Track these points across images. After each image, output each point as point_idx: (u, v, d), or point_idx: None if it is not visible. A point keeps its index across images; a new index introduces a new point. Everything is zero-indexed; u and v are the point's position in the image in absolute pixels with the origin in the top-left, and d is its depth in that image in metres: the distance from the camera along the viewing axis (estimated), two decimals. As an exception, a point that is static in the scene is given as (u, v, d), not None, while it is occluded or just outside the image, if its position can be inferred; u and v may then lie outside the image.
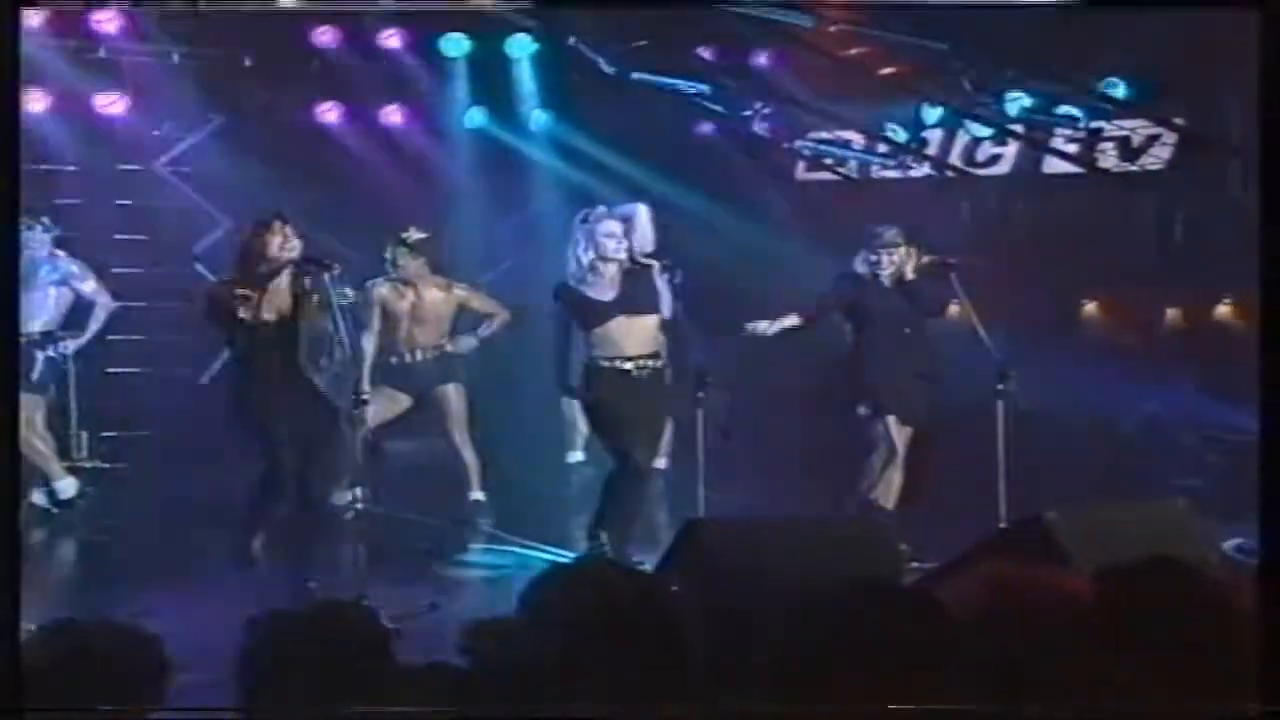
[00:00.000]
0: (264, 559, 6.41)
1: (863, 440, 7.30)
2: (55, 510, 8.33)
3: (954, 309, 7.35)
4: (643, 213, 6.78)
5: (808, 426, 7.56)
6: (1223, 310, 9.51)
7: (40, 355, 8.32)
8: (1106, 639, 2.89)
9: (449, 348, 8.06)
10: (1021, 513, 6.08)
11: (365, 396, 6.24)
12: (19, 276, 2.26)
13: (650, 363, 6.62)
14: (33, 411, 8.34)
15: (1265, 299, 2.67)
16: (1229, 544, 6.07)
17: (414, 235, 7.91)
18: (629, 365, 6.56)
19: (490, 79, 10.09)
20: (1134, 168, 9.51)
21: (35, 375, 8.29)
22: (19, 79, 2.17)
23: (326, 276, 6.10)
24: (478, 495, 8.14)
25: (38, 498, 8.34)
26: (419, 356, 7.97)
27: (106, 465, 9.34)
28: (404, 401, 8.04)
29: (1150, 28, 8.60)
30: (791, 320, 7.29)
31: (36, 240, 8.25)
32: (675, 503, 7.17)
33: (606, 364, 6.56)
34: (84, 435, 9.49)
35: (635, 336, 6.59)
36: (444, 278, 8.12)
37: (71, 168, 9.51)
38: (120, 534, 7.90)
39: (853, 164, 10.31)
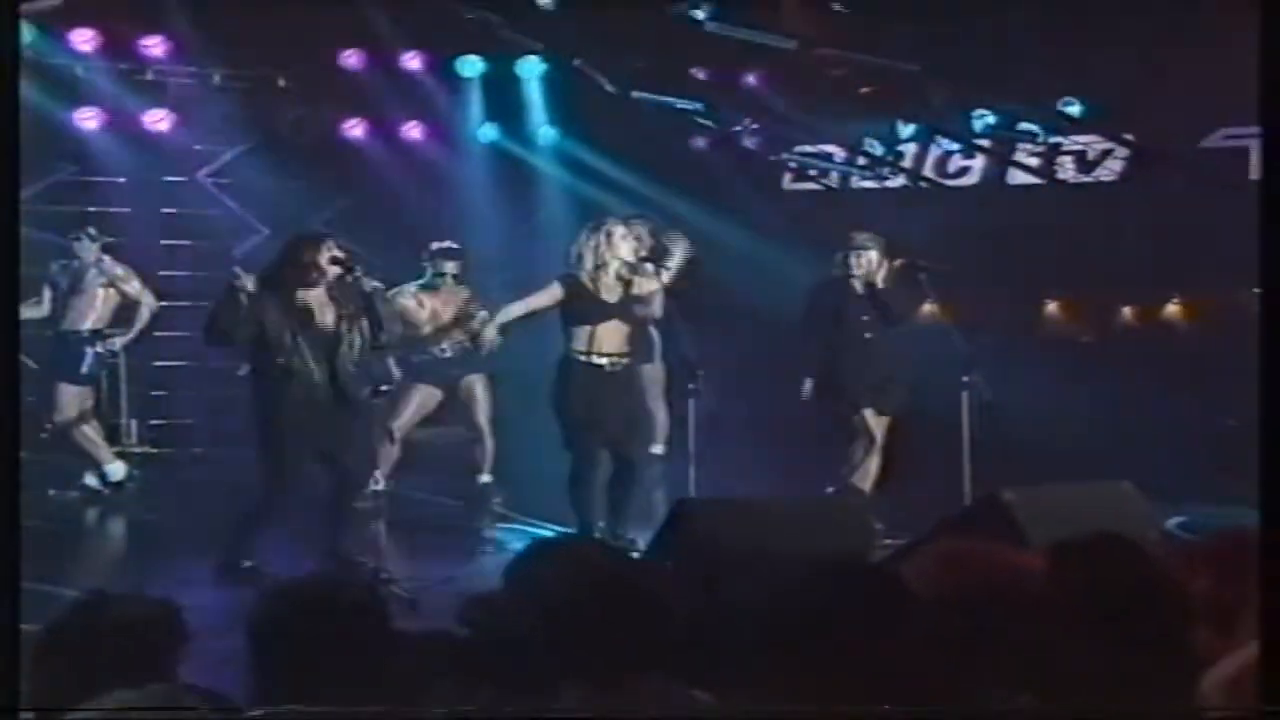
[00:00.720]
0: (295, 537, 6.29)
1: (845, 430, 7.26)
2: (105, 491, 8.29)
3: (924, 308, 7.37)
4: (644, 227, 6.77)
5: (794, 417, 7.53)
6: (1171, 309, 9.48)
7: (89, 351, 8.32)
8: (1050, 608, 2.92)
9: (470, 343, 7.94)
10: (982, 492, 6.07)
11: (385, 388, 6.18)
12: (19, 277, 2.35)
13: (622, 360, 6.59)
14: (83, 402, 8.38)
15: (1265, 299, 2.44)
16: (1171, 522, 6.09)
17: (446, 246, 7.86)
18: (603, 361, 6.53)
19: (502, 97, 10.04)
20: (1089, 179, 9.52)
21: (85, 369, 8.32)
22: (18, 80, 1.95)
23: (350, 278, 6.05)
24: (487, 478, 8.04)
25: (90, 480, 8.33)
26: (447, 353, 7.88)
27: (154, 450, 9.35)
28: (438, 396, 7.98)
29: (1103, 53, 8.63)
30: None
31: (84, 248, 8.27)
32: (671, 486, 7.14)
33: (583, 359, 6.51)
34: (134, 423, 9.52)
35: (615, 337, 6.57)
36: (461, 282, 8.05)
37: (121, 179, 9.53)
38: (165, 512, 7.92)
39: (834, 175, 10.29)
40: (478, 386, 8.02)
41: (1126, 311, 9.57)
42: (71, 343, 8.31)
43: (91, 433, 8.40)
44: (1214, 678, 2.57)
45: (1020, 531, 4.82)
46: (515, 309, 6.89)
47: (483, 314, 7.22)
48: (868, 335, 7.19)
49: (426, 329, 7.81)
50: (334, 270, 6.08)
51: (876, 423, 7.20)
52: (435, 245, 7.89)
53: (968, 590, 3.00)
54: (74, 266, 8.33)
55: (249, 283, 5.99)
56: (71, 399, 8.32)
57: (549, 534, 6.50)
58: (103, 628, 2.46)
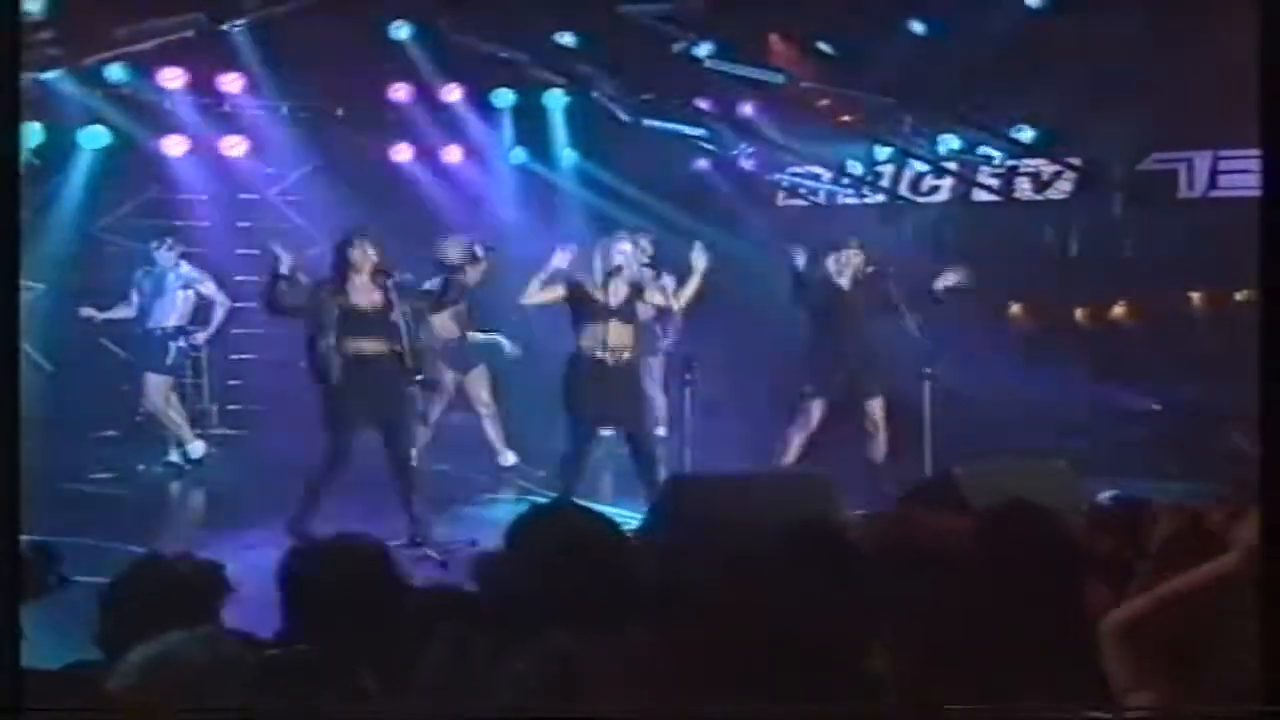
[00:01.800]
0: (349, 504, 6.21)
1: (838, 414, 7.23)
2: (188, 467, 8.37)
3: (893, 308, 7.37)
4: (646, 239, 6.77)
5: (779, 402, 7.54)
6: (1113, 310, 9.46)
7: (173, 345, 8.42)
8: (970, 564, 2.96)
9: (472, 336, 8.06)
10: (940, 468, 6.04)
11: (421, 377, 6.15)
12: (19, 278, 2.23)
13: (624, 355, 6.58)
14: (167, 390, 8.48)
15: (1265, 299, 2.16)
16: (1104, 495, 6.08)
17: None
18: (607, 355, 6.51)
19: (530, 125, 10.00)
20: (1041, 197, 9.52)
21: (169, 360, 8.41)
22: (18, 81, 1.82)
23: (391, 281, 6.09)
24: (511, 458, 8.12)
25: (174, 457, 8.42)
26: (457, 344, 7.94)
27: (230, 431, 9.43)
28: (454, 380, 7.99)
29: (1053, 87, 8.62)
30: None
31: (163, 255, 8.37)
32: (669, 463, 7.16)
33: (590, 354, 6.51)
34: (214, 408, 9.62)
35: (619, 335, 6.56)
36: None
37: (203, 196, 9.57)
38: (237, 485, 7.96)
39: (821, 193, 10.29)
40: (483, 373, 8.06)
41: (1072, 312, 9.52)
42: (156, 338, 8.40)
43: (176, 416, 8.51)
44: (1107, 624, 2.55)
45: (966, 503, 4.73)
46: (528, 299, 6.82)
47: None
48: (849, 329, 7.20)
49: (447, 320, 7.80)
50: (372, 268, 6.12)
51: (877, 407, 7.16)
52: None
53: (908, 550, 3.07)
54: (155, 272, 8.45)
55: (285, 262, 6.05)
56: (158, 387, 8.43)
57: (541, 500, 6.46)
58: (163, 580, 2.55)
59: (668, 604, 2.50)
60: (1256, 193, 8.64)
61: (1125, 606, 2.58)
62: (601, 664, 1.92)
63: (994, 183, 9.70)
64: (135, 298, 8.51)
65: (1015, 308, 9.81)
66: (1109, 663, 2.49)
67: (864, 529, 3.41)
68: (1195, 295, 9.27)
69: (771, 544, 2.98)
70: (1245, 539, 2.58)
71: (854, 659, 2.51)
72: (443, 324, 7.75)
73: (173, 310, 8.41)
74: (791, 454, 7.14)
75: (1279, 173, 2.01)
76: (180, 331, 8.46)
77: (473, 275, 7.64)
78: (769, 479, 5.66)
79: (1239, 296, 9.13)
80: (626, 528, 2.86)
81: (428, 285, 6.76)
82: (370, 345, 6.12)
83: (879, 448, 7.12)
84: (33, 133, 8.89)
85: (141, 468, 8.25)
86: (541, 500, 5.39)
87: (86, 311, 8.61)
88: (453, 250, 7.29)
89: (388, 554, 2.57)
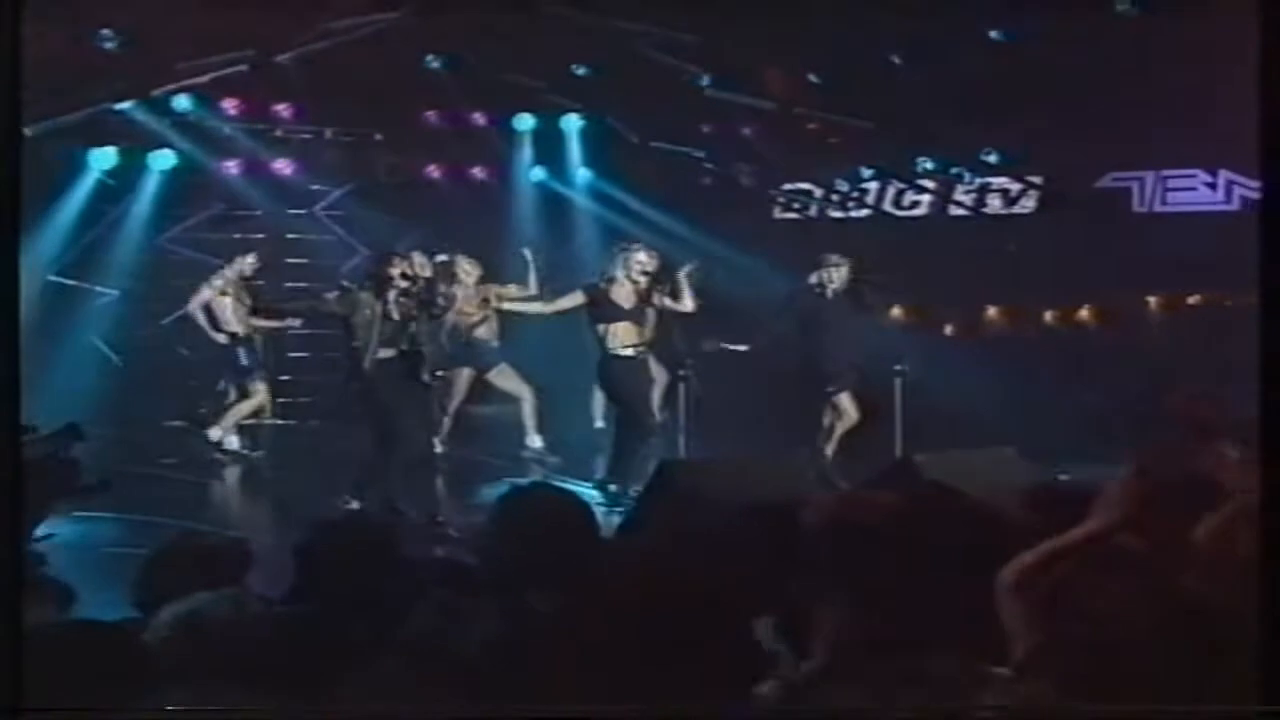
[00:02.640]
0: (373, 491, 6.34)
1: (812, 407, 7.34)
2: (247, 453, 8.46)
3: (873, 312, 7.48)
4: (643, 254, 6.89)
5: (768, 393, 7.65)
6: (1075, 313, 9.49)
7: (240, 351, 8.51)
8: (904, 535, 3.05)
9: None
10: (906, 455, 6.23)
11: (440, 373, 6.32)
12: (19, 282, 2.17)
13: (638, 352, 6.73)
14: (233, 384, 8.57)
15: (1265, 299, 2.03)
16: (1046, 478, 6.12)
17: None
18: (629, 352, 6.67)
19: (548, 146, 10.02)
20: (1009, 212, 9.60)
21: (240, 361, 8.51)
22: (19, 83, 1.72)
23: (414, 287, 6.26)
24: (537, 441, 8.10)
25: (232, 443, 8.48)
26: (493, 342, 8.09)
27: (283, 421, 9.48)
28: (472, 375, 8.09)
29: (1020, 114, 8.69)
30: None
31: (220, 274, 8.51)
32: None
33: (613, 352, 6.66)
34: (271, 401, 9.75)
35: (630, 334, 6.70)
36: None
37: (258, 212, 9.63)
38: (289, 470, 8.06)
39: (813, 208, 10.34)
40: (506, 370, 8.15)
41: (1038, 314, 9.58)
42: (222, 341, 8.51)
43: (245, 408, 8.56)
44: (1000, 579, 2.51)
45: (923, 487, 4.92)
46: (551, 307, 7.04)
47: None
48: (833, 331, 7.30)
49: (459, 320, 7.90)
50: (402, 280, 6.28)
51: (847, 401, 7.30)
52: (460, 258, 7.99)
53: (870, 529, 3.19)
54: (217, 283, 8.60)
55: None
56: (225, 384, 8.58)
57: (581, 488, 6.50)
58: (194, 552, 2.71)
59: (629, 570, 2.64)
60: (1200, 207, 8.80)
61: (1014, 562, 2.56)
62: (562, 622, 2.04)
63: (967, 199, 9.78)
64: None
65: (985, 311, 9.88)
66: (1001, 614, 2.48)
67: (826, 508, 3.53)
68: (1151, 299, 9.35)
69: (742, 520, 3.14)
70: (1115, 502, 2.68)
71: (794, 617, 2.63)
72: (470, 329, 7.92)
73: (234, 316, 8.51)
74: (833, 444, 7.24)
75: (1278, 175, 1.87)
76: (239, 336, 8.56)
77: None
78: (748, 463, 5.76)
79: (1191, 300, 9.20)
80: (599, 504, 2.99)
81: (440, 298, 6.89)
82: (392, 350, 6.27)
83: (843, 436, 7.23)
84: (107, 156, 9.12)
85: (210, 453, 8.34)
86: (521, 481, 5.48)
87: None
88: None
89: (392, 529, 2.70)
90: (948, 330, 9.26)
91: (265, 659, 1.92)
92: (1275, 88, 1.95)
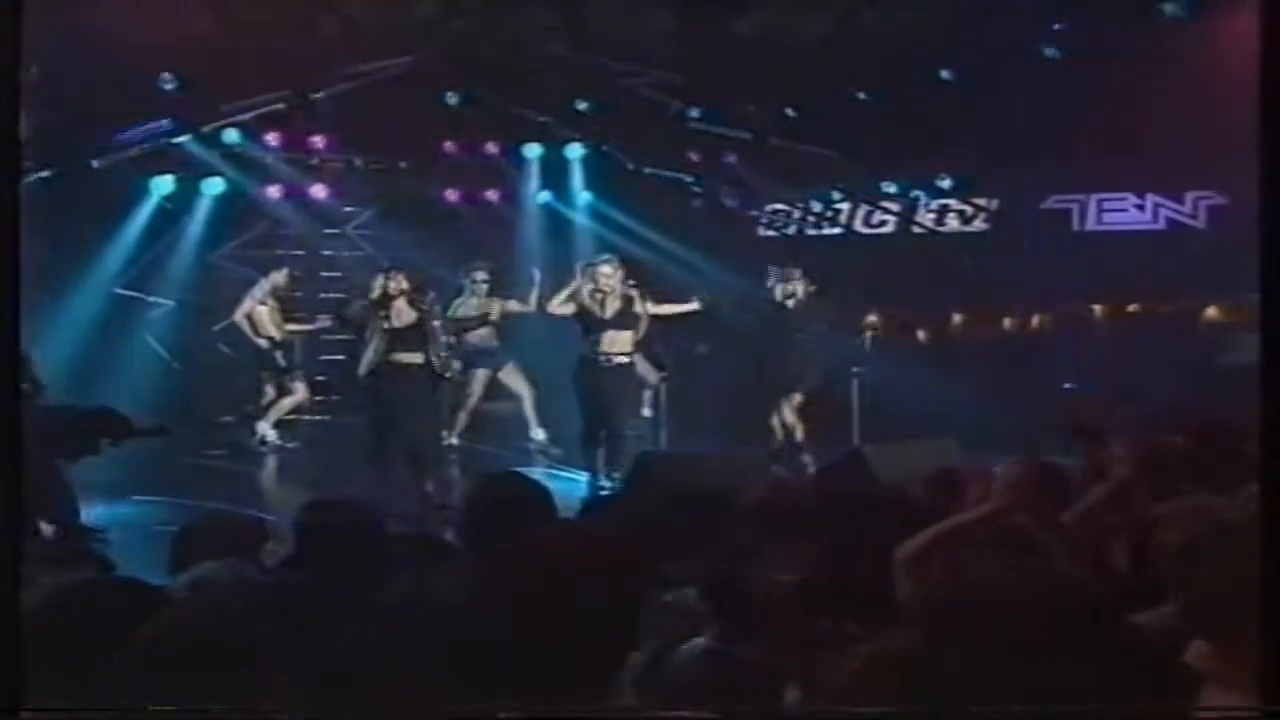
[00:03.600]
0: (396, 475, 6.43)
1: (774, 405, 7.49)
2: (285, 444, 8.59)
3: (828, 319, 7.60)
4: (616, 263, 6.93)
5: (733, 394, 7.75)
6: (1019, 319, 9.54)
7: (278, 354, 8.71)
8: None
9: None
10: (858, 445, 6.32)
11: (449, 375, 6.41)
12: (19, 281, 1.68)
13: (621, 359, 6.74)
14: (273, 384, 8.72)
15: (1265, 299, 1.81)
16: (999, 467, 6.18)
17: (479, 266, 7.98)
18: (609, 359, 6.65)
19: (554, 172, 9.96)
20: (965, 229, 9.69)
21: (278, 363, 8.69)
22: (19, 83, 1.61)
23: (419, 298, 6.37)
24: (541, 434, 8.16)
25: (272, 436, 8.62)
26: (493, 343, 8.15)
27: (319, 417, 9.54)
28: (486, 376, 8.17)
29: (973, 141, 8.81)
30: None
31: (260, 285, 8.67)
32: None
33: (596, 357, 6.68)
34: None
35: (615, 341, 6.71)
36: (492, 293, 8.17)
37: (297, 231, 9.73)
38: (324, 460, 8.15)
39: (791, 226, 10.38)
40: (514, 369, 8.25)
41: (987, 320, 9.63)
42: (264, 344, 8.71)
43: (287, 403, 8.71)
44: (897, 554, 2.58)
45: (871, 473, 4.97)
46: (552, 308, 7.06)
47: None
48: (794, 337, 7.43)
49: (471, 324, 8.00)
50: (402, 294, 6.37)
51: (795, 400, 7.42)
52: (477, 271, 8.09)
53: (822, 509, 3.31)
54: (257, 294, 8.78)
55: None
56: (266, 384, 8.75)
57: (578, 478, 6.66)
58: (218, 529, 2.88)
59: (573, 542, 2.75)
60: (1130, 227, 8.94)
61: (911, 540, 2.61)
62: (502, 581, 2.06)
63: (928, 219, 9.90)
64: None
65: (941, 318, 9.92)
66: (897, 584, 2.52)
67: (782, 492, 3.65)
68: (1096, 307, 9.45)
69: (686, 501, 3.27)
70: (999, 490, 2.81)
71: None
72: (481, 333, 8.03)
73: (273, 324, 8.66)
74: (799, 435, 7.33)
75: (1277, 178, 1.71)
76: (278, 342, 8.73)
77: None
78: (718, 456, 5.87)
79: (1130, 309, 9.30)
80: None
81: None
82: (407, 356, 6.38)
83: (802, 430, 7.34)
84: (166, 183, 9.33)
85: (248, 446, 8.49)
86: (498, 471, 5.51)
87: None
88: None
89: (380, 510, 2.85)
90: (907, 335, 9.35)
91: (260, 620, 2.06)
92: (1276, 88, 1.73)
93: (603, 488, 6.20)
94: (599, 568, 1.81)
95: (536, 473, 7.35)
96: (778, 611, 2.61)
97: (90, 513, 5.29)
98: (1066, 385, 6.23)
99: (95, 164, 8.23)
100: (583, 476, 6.79)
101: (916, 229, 9.81)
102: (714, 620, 2.55)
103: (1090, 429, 3.52)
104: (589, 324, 6.75)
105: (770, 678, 2.19)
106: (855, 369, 7.14)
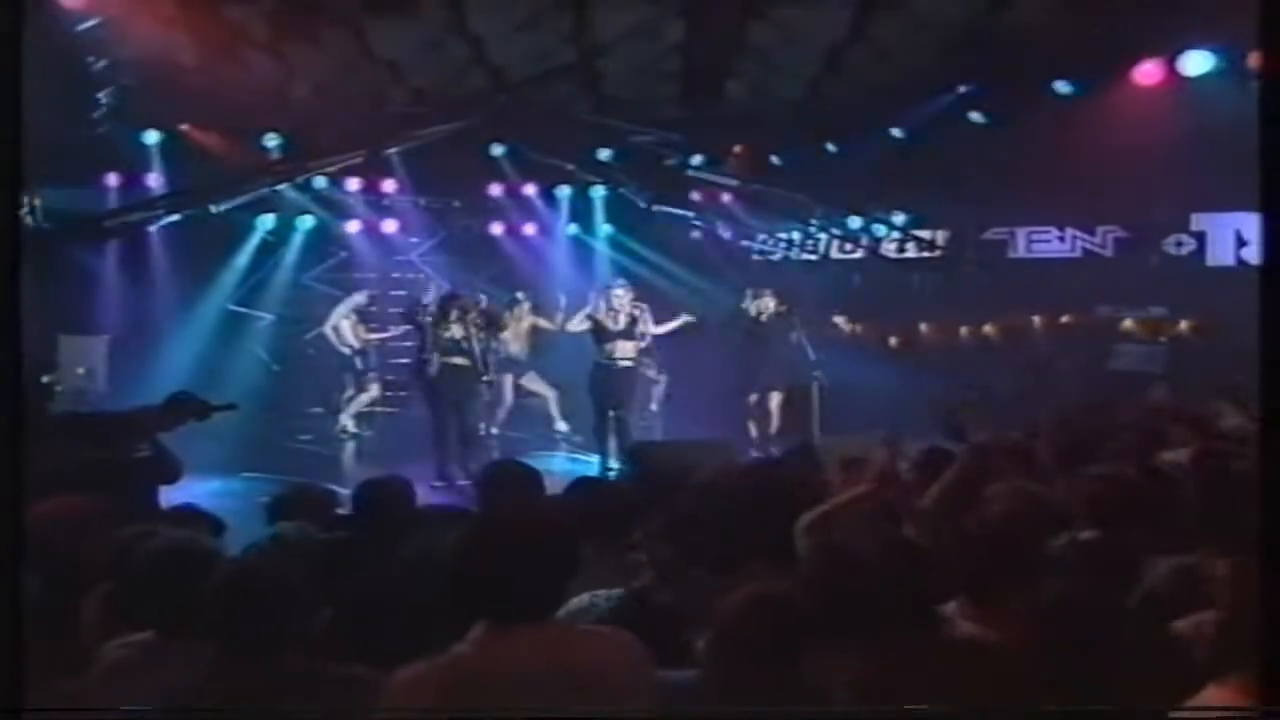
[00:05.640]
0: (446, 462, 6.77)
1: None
2: (361, 433, 8.78)
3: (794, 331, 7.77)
4: (626, 286, 7.13)
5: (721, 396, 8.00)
6: (986, 329, 9.67)
7: (357, 359, 9.02)
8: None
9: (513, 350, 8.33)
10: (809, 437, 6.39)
11: (487, 379, 6.75)
12: (19, 280, 1.50)
13: (627, 363, 6.99)
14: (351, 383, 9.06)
15: (1265, 299, 1.57)
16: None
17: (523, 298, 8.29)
18: (621, 364, 6.91)
19: (581, 208, 10.06)
20: (921, 256, 9.76)
21: (357, 366, 9.00)
22: (20, 84, 1.50)
23: (470, 314, 6.74)
24: (563, 425, 8.32)
25: (351, 425, 8.90)
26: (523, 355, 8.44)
27: (388, 410, 9.74)
28: (511, 380, 8.38)
29: (923, 181, 8.96)
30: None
31: (344, 303, 9.00)
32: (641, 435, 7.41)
33: (608, 362, 6.95)
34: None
35: (624, 349, 6.94)
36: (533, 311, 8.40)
37: (371, 258, 9.98)
38: (389, 445, 8.34)
39: (778, 254, 10.51)
40: (534, 375, 8.53)
41: (935, 331, 9.80)
42: (346, 351, 9.07)
43: (364, 398, 8.99)
44: (801, 520, 2.71)
45: (818, 461, 4.96)
46: (570, 328, 7.36)
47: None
48: (765, 345, 7.63)
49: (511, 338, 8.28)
50: (456, 309, 6.72)
51: (775, 398, 7.62)
52: (517, 293, 8.40)
53: (752, 489, 3.52)
54: (342, 310, 9.17)
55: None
56: (347, 383, 9.11)
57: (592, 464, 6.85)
58: (299, 498, 3.12)
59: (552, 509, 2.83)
60: (1054, 254, 9.19)
61: (811, 511, 2.73)
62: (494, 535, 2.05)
63: (892, 247, 10.08)
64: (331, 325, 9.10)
65: (894, 329, 10.00)
66: (797, 543, 2.62)
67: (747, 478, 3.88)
68: (1036, 318, 9.61)
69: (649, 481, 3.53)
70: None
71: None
72: (513, 343, 8.31)
73: (350, 334, 8.99)
74: (775, 428, 7.48)
75: (1277, 183, 1.55)
76: (355, 349, 9.05)
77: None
78: (697, 444, 6.11)
79: (1064, 319, 9.47)
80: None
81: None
82: (457, 360, 6.74)
83: (775, 424, 7.56)
84: (268, 221, 9.81)
85: (332, 433, 8.79)
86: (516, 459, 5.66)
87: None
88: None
89: (416, 486, 3.07)
90: (867, 342, 9.55)
91: (310, 566, 2.35)
92: (1276, 90, 1.57)
93: (610, 469, 6.46)
94: (559, 531, 2.00)
95: (558, 458, 7.75)
96: (697, 566, 2.70)
97: (209, 485, 5.61)
98: (966, 386, 6.43)
99: (213, 209, 8.69)
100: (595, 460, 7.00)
101: (882, 256, 9.94)
102: (647, 571, 2.78)
103: (956, 425, 3.76)
104: (601, 335, 7.00)
105: (675, 617, 2.31)
106: (815, 373, 7.33)
